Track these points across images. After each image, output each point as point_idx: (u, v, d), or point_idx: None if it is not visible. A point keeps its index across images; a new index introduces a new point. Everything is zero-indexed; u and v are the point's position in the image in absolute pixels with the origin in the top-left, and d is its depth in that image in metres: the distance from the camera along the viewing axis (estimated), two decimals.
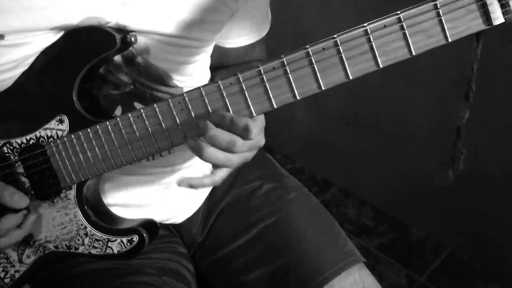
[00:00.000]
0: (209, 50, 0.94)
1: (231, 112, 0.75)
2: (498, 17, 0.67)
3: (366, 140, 1.91)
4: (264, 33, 1.01)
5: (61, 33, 0.80)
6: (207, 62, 0.97)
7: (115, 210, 0.92)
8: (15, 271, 0.91)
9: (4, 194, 0.81)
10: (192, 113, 0.76)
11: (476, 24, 0.68)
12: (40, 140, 0.83)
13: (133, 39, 0.80)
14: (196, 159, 0.98)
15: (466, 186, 1.70)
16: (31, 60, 0.81)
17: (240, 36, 0.99)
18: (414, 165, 1.82)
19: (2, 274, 0.91)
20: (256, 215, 1.01)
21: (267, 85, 0.73)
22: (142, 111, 0.78)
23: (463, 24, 0.68)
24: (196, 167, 0.99)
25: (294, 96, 0.73)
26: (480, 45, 0.71)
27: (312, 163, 2.13)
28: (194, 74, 0.93)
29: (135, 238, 0.85)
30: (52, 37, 0.80)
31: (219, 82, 0.74)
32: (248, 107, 0.75)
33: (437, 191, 1.79)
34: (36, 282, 0.94)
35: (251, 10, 0.94)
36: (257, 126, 0.74)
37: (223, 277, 1.01)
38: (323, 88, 0.73)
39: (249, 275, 0.97)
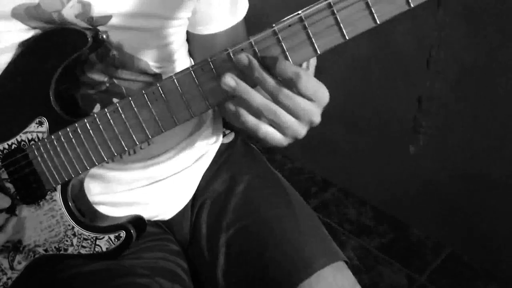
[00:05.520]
0: (180, 31, 0.93)
1: (207, 99, 0.75)
2: None
3: (366, 140, 1.92)
4: (242, 15, 0.96)
5: (29, 33, 0.81)
6: (183, 46, 0.96)
7: (102, 209, 0.92)
8: (8, 278, 0.91)
9: None
10: (166, 102, 0.77)
11: None
12: (22, 144, 0.84)
13: (104, 36, 0.81)
14: (178, 150, 0.99)
15: (466, 186, 1.72)
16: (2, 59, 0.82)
17: (217, 19, 0.93)
18: (414, 165, 1.82)
19: None
20: (235, 213, 1.00)
21: (283, 44, 0.72)
22: (118, 105, 0.79)
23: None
24: (178, 159, 1.00)
25: (315, 50, 0.73)
26: (442, 11, 0.71)
27: (311, 163, 2.12)
28: (170, 59, 0.93)
29: (122, 234, 0.86)
30: (21, 35, 0.80)
31: (190, 69, 0.75)
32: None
33: (437, 191, 1.80)
34: (28, 287, 0.94)
35: None
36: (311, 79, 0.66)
37: (208, 276, 1.00)
38: (347, 38, 0.72)
39: (229, 276, 0.96)
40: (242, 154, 1.10)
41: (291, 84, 0.67)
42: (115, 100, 0.90)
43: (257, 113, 0.69)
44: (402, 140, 1.81)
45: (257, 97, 0.68)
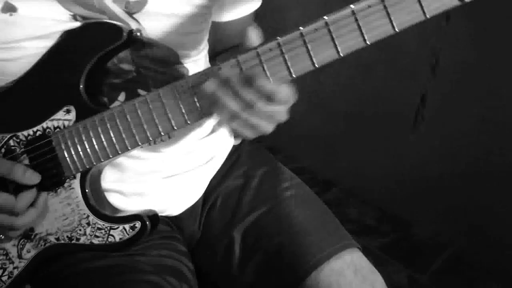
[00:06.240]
0: (206, 20, 0.97)
1: None
2: None
3: (369, 140, 1.96)
4: (257, 5, 1.02)
5: (70, 23, 0.85)
6: (206, 35, 1.01)
7: (112, 197, 0.94)
8: (14, 268, 0.91)
9: (17, 171, 0.84)
10: (194, 96, 0.82)
11: (450, 2, 0.77)
12: (47, 131, 0.87)
13: (138, 34, 0.87)
14: (194, 148, 1.03)
15: (468, 186, 1.76)
16: (38, 44, 0.85)
17: (234, 7, 0.99)
18: (416, 165, 1.86)
19: (0, 272, 0.91)
20: (249, 206, 1.03)
21: (264, 65, 0.80)
22: (146, 96, 0.83)
23: (438, 1, 0.77)
24: (194, 156, 1.03)
25: (291, 74, 0.80)
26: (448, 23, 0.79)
27: (314, 163, 2.14)
28: (197, 49, 0.97)
29: (138, 224, 0.87)
30: (62, 24, 0.85)
31: (220, 64, 0.81)
32: None
33: (439, 191, 1.84)
34: (36, 282, 0.93)
35: None
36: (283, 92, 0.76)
37: (221, 272, 1.02)
38: (316, 66, 0.79)
39: (246, 266, 0.99)
40: (251, 152, 1.14)
41: (269, 98, 0.76)
42: (140, 90, 0.93)
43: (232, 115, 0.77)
44: (404, 140, 1.84)
45: (232, 104, 0.76)
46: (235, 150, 1.13)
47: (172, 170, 1.01)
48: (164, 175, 1.01)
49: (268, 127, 0.80)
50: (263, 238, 1.00)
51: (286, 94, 0.76)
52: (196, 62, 0.99)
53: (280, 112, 0.79)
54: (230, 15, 1.01)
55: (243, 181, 1.07)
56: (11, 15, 0.82)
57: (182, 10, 0.91)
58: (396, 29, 0.78)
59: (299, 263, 0.95)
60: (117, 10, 0.86)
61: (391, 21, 0.77)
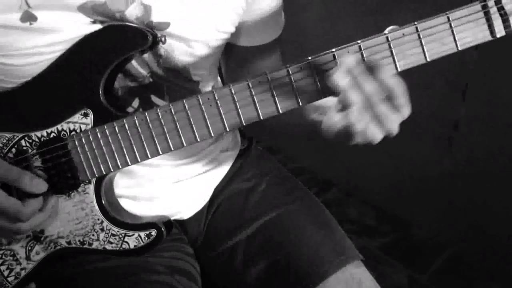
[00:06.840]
0: (222, 44, 0.96)
1: (258, 109, 0.80)
2: (500, 31, 0.77)
3: None
4: (277, 34, 1.02)
5: (91, 27, 0.82)
6: (219, 57, 1.01)
7: (124, 203, 0.93)
8: (21, 269, 0.90)
9: (24, 179, 0.82)
10: (220, 109, 0.81)
11: (482, 36, 0.77)
12: (62, 134, 0.84)
13: (163, 39, 0.84)
14: (204, 154, 1.03)
15: (468, 186, 1.78)
16: (56, 49, 0.83)
17: (255, 34, 0.99)
18: (416, 165, 1.88)
19: (6, 272, 0.90)
20: (256, 210, 1.04)
21: (294, 84, 0.79)
22: (170, 106, 0.81)
23: (471, 35, 0.77)
24: (203, 161, 1.04)
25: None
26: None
27: (314, 163, 2.16)
28: (208, 69, 0.97)
29: (154, 232, 0.87)
30: (82, 28, 0.82)
31: (248, 80, 0.79)
32: (275, 104, 0.80)
33: (439, 191, 1.86)
34: (43, 280, 0.93)
35: (263, 7, 0.96)
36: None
37: (222, 273, 1.04)
38: None
39: (249, 270, 1.00)
40: (257, 157, 1.15)
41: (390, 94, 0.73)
42: (153, 96, 0.92)
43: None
44: (404, 140, 1.85)
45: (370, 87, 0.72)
46: (241, 154, 1.14)
47: (181, 175, 1.02)
48: (173, 180, 1.01)
49: (377, 133, 0.76)
50: (268, 246, 1.01)
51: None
52: (205, 79, 0.98)
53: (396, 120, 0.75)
54: (256, 40, 1.00)
55: (250, 185, 1.08)
56: (31, 24, 0.80)
57: (204, 36, 0.90)
58: (428, 59, 0.79)
59: (306, 273, 0.96)
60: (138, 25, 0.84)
61: (423, 51, 0.78)
